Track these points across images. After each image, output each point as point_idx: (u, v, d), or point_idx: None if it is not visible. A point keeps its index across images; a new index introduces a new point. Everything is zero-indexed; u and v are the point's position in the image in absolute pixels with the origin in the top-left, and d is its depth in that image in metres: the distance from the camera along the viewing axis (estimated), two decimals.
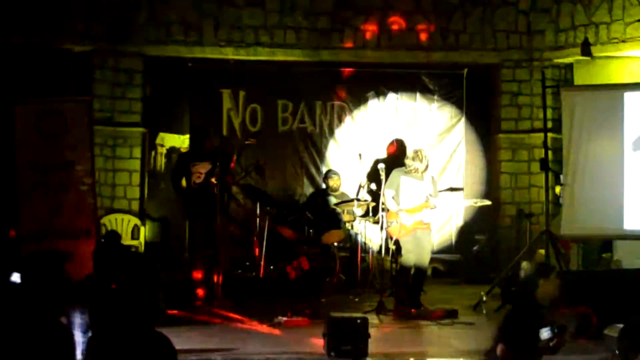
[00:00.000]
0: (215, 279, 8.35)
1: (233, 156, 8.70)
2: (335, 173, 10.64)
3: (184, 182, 8.62)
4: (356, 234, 10.10)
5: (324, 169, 11.12)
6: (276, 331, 7.31)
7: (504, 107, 11.42)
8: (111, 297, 4.02)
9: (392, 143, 11.13)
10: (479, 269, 10.75)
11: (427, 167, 8.43)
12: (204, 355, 6.26)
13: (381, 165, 8.38)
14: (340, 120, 11.47)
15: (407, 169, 8.42)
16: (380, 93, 11.54)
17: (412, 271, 8.42)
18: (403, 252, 8.41)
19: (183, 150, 11.20)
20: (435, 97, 11.58)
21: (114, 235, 7.00)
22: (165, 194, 10.82)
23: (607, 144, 8.91)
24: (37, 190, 8.26)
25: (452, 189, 9.38)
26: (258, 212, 10.06)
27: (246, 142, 9.16)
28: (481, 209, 10.36)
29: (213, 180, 8.33)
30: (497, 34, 11.26)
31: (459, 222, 11.52)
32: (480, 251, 10.91)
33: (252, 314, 7.94)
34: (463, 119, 11.61)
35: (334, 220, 9.85)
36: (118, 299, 3.84)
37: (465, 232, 11.47)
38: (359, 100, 11.53)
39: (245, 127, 11.21)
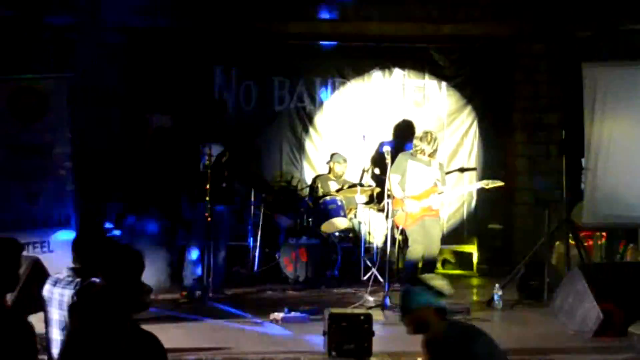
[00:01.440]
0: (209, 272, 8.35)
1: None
2: (343, 158, 10.61)
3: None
4: (359, 223, 10.10)
5: (324, 152, 11.10)
6: (272, 329, 7.31)
7: (519, 84, 11.38)
8: (92, 292, 3.99)
9: (398, 124, 11.12)
10: (493, 261, 10.75)
11: (435, 151, 8.43)
12: (195, 355, 6.25)
13: (386, 148, 8.35)
14: (342, 99, 11.43)
15: (414, 152, 8.41)
16: (385, 69, 11.49)
17: (420, 263, 8.42)
18: (410, 242, 8.44)
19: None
20: (446, 74, 11.54)
21: (97, 225, 6.98)
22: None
23: (634, 124, 8.86)
24: (11, 175, 8.21)
25: (462, 170, 9.35)
26: (252, 198, 10.04)
27: None
28: (496, 195, 10.37)
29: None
30: (512, 4, 11.21)
31: (471, 210, 11.51)
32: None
33: (246, 309, 7.95)
34: (476, 98, 11.58)
35: (336, 208, 9.86)
36: (100, 294, 3.82)
37: (478, 221, 11.47)
38: (363, 77, 11.48)
39: (239, 107, 11.18)
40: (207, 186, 8.21)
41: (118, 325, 3.58)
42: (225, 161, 8.43)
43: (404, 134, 10.82)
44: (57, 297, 4.79)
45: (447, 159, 11.21)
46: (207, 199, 8.25)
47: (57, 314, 4.81)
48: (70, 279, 4.84)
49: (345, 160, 10.57)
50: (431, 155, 8.47)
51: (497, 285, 8.42)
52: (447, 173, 10.28)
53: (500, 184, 8.70)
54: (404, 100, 11.48)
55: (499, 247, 11.05)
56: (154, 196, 9.96)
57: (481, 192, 10.42)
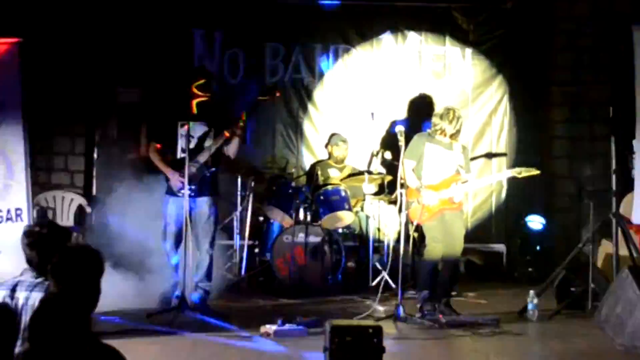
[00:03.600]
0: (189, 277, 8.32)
1: (239, 119, 8.50)
2: (342, 139, 10.63)
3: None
4: (367, 218, 10.09)
5: (325, 133, 11.10)
6: (264, 344, 7.27)
7: (559, 51, 11.40)
8: (48, 301, 3.98)
9: (413, 99, 11.08)
10: (528, 263, 10.73)
11: (458, 131, 8.39)
12: None
13: (399, 128, 8.31)
14: (346, 69, 11.39)
15: (432, 132, 8.38)
16: (398, 33, 11.47)
17: (440, 266, 8.41)
18: (427, 240, 8.41)
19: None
20: (471, 39, 11.52)
21: (53, 224, 6.93)
22: (120, 165, 10.76)
23: None
24: None
25: (490, 155, 9.33)
26: (239, 188, 10.03)
27: (261, 98, 9.00)
28: (530, 185, 10.36)
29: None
30: None
31: (501, 202, 11.51)
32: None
33: (233, 321, 7.94)
34: (506, 68, 11.56)
35: (339, 200, 9.84)
36: (57, 303, 3.80)
37: (509, 215, 11.46)
38: (371, 43, 11.47)
39: (223, 78, 11.16)
40: (185, 174, 8.16)
41: (73, 339, 3.56)
42: (211, 144, 8.35)
43: (420, 112, 10.80)
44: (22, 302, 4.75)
45: (471, 141, 11.22)
46: (186, 189, 8.21)
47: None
48: (35, 279, 4.81)
49: (345, 142, 10.60)
50: (453, 136, 8.41)
51: (531, 292, 8.39)
52: (472, 159, 10.26)
53: (535, 172, 8.65)
54: (421, 70, 11.49)
55: (533, 246, 11.02)
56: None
57: (512, 181, 10.44)
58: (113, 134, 11.26)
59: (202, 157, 8.33)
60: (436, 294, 8.35)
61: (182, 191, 8.23)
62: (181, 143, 8.41)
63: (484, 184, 10.59)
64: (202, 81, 8.50)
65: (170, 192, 8.46)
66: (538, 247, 11.04)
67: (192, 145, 8.36)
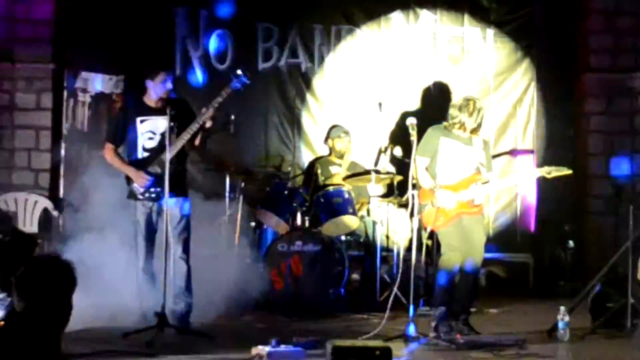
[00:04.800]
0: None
1: (209, 110, 8.40)
2: (344, 130, 10.62)
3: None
4: (374, 223, 10.13)
5: (325, 126, 11.08)
6: None
7: (594, 33, 11.41)
8: (12, 319, 4.00)
9: (427, 87, 11.10)
10: (558, 275, 10.74)
11: (480, 125, 8.39)
12: None
13: (411, 121, 8.30)
14: (350, 53, 11.41)
15: (449, 125, 8.38)
16: (409, 12, 11.51)
17: (457, 278, 8.43)
18: (443, 249, 8.42)
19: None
20: (492, 18, 11.55)
21: (16, 231, 6.96)
22: (90, 164, 10.70)
23: None
24: None
25: (513, 152, 9.33)
26: (227, 189, 10.04)
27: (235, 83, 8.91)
28: (561, 186, 10.33)
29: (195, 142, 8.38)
30: None
31: (527, 205, 11.53)
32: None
33: (220, 342, 7.93)
34: (534, 52, 11.59)
35: (342, 203, 9.84)
36: (22, 321, 3.84)
37: (537, 221, 11.48)
38: (379, 22, 11.51)
39: (209, 64, 11.17)
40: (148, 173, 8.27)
41: None
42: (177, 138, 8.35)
43: (435, 101, 10.91)
44: None
45: (493, 135, 11.24)
46: (152, 190, 8.31)
47: None
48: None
49: (347, 134, 10.59)
50: (474, 131, 8.42)
51: (562, 308, 8.32)
52: (495, 156, 10.25)
53: (567, 172, 8.65)
54: (436, 54, 11.55)
55: (564, 256, 11.03)
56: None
57: (541, 182, 10.44)
58: (83, 127, 11.31)
59: (169, 155, 8.27)
60: (453, 311, 8.35)
61: (148, 193, 8.32)
62: (142, 141, 8.47)
63: (507, 184, 10.60)
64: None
65: (133, 196, 8.49)
66: (569, 257, 11.04)
67: (154, 144, 8.42)
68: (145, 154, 8.39)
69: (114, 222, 9.01)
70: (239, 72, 8.42)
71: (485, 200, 9.20)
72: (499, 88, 11.60)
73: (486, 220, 10.03)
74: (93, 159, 9.99)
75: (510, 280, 11.35)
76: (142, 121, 8.49)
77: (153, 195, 8.36)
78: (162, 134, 8.40)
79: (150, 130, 8.44)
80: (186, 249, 8.57)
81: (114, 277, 8.85)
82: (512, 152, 9.19)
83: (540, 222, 11.54)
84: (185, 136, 8.28)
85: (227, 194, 10.13)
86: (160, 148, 8.37)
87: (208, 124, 8.34)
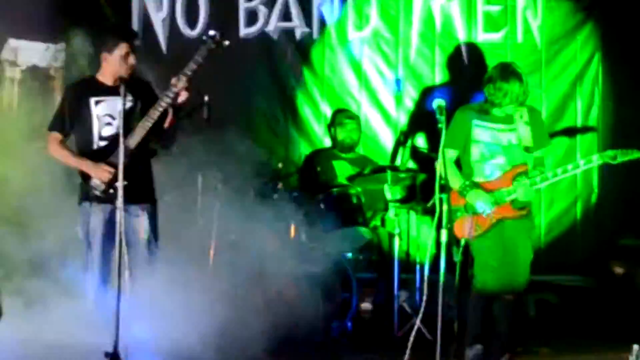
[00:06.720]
0: None
1: (181, 79, 8.37)
2: (349, 116, 10.67)
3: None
4: (392, 237, 10.06)
5: (327, 109, 11.13)
6: None
7: None
8: None
9: (459, 60, 11.11)
10: (629, 304, 10.61)
11: (526, 96, 8.16)
12: None
13: (439, 102, 8.09)
14: (358, 16, 11.43)
15: (483, 106, 8.19)
16: None
17: (497, 307, 8.36)
18: (476, 269, 8.35)
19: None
20: None
21: None
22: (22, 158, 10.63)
23: None
24: None
25: (573, 131, 9.13)
26: (200, 192, 9.99)
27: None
28: (635, 184, 10.12)
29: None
30: None
31: (591, 210, 11.54)
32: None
33: None
34: (598, 16, 11.61)
35: (349, 210, 9.81)
36: None
37: (603, 231, 11.41)
38: None
39: (177, 31, 11.18)
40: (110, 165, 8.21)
41: None
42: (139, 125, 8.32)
43: (469, 77, 10.91)
44: None
45: (546, 120, 11.03)
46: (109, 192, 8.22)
47: None
48: None
49: (353, 119, 10.74)
50: (517, 107, 8.22)
51: (635, 347, 8.19)
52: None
53: (638, 154, 8.51)
54: (470, 16, 11.59)
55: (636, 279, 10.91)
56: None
57: (608, 175, 10.71)
58: (11, 110, 11.27)
59: (132, 141, 8.25)
60: (492, 349, 8.32)
61: (113, 189, 8.16)
62: (97, 128, 8.44)
63: (564, 175, 10.39)
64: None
65: (88, 197, 8.40)
66: None
67: (114, 130, 8.36)
68: (103, 143, 8.43)
69: (53, 235, 9.07)
70: (212, 32, 8.36)
71: (535, 201, 8.99)
72: (552, 61, 11.67)
73: (537, 230, 9.83)
74: (25, 153, 9.89)
75: (568, 310, 11.22)
76: (97, 102, 8.52)
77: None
78: (125, 116, 8.28)
79: (108, 113, 8.47)
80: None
81: (59, 305, 8.76)
82: (569, 132, 9.11)
83: (605, 235, 11.37)
84: (154, 114, 8.28)
85: (199, 198, 10.09)
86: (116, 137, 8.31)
87: (181, 98, 8.36)
